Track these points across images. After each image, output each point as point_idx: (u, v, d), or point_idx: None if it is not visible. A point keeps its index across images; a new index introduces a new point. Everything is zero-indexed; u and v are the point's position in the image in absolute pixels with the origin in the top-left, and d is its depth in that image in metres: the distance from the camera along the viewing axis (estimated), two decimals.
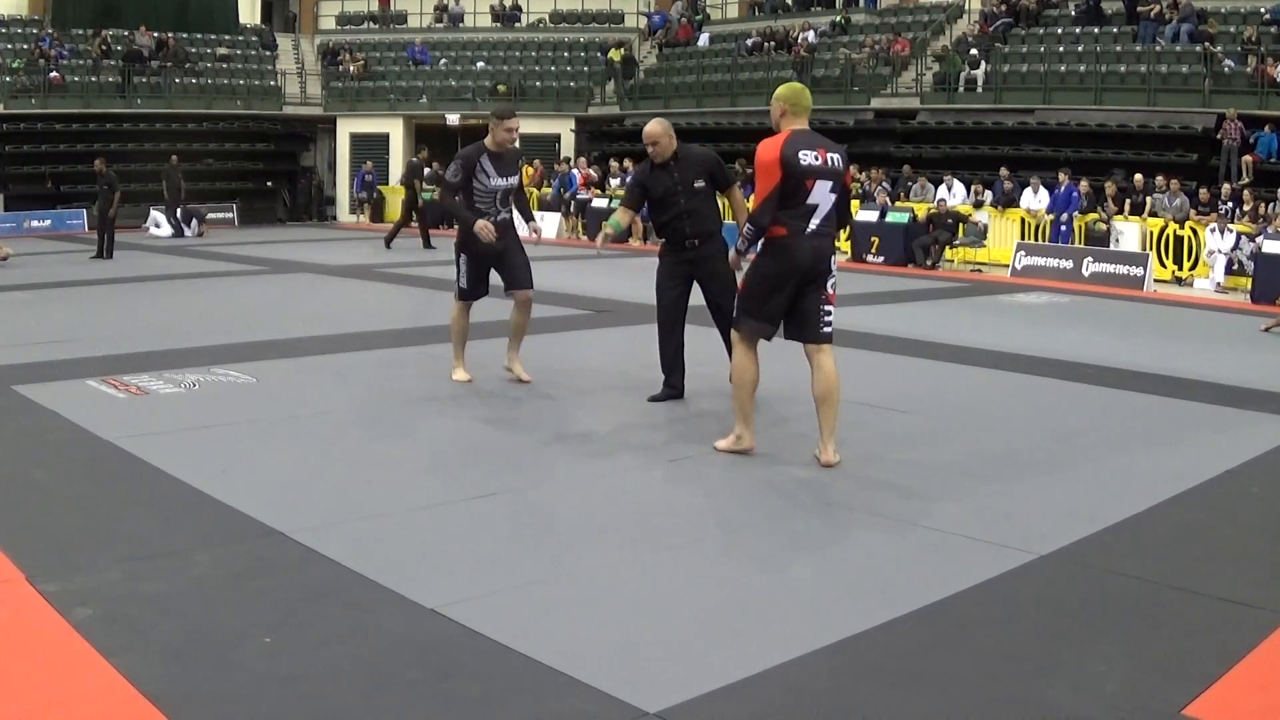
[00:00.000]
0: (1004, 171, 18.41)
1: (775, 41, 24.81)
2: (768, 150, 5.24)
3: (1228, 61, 18.24)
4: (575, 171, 23.05)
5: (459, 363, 7.43)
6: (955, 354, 8.89)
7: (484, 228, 6.72)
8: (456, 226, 7.14)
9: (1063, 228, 17.12)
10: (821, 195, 5.26)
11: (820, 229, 5.29)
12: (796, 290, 5.32)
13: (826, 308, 5.36)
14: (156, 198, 23.19)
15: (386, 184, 26.21)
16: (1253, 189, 16.40)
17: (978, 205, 18.22)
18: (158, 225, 22.40)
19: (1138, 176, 17.23)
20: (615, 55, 26.74)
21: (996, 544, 4.33)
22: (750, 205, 5.50)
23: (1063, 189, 17.30)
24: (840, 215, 5.46)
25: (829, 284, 5.36)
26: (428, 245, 19.03)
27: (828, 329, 5.39)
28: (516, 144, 7.18)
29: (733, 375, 5.62)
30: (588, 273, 14.94)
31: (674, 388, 6.89)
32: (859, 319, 10.53)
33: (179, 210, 22.14)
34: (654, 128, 6.60)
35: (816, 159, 5.23)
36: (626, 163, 22.90)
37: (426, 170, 26.14)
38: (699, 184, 6.66)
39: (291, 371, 7.79)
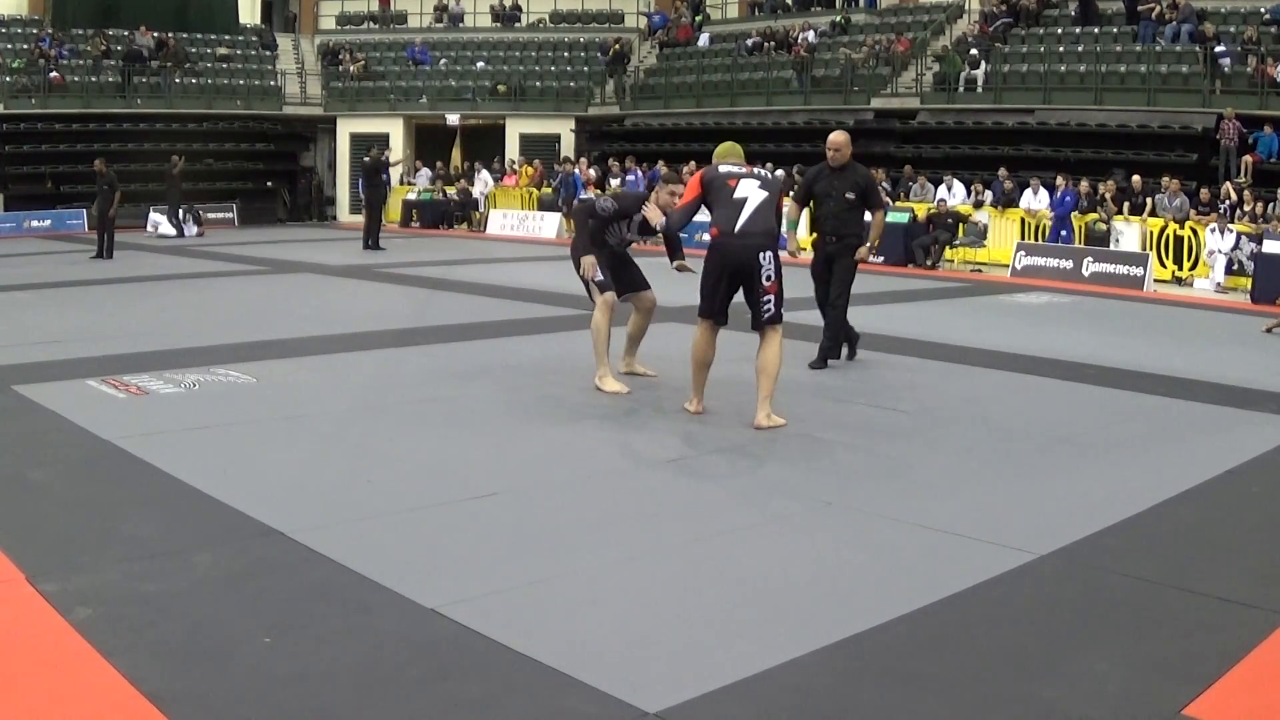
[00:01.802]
0: (1004, 172, 18.40)
1: (775, 41, 24.79)
2: (695, 176, 6.35)
3: (1227, 58, 18.21)
4: (578, 172, 22.97)
5: (605, 370, 7.06)
6: (955, 354, 8.89)
7: (590, 265, 6.95)
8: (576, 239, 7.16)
9: (1063, 232, 17.09)
10: (749, 191, 6.13)
11: (749, 228, 6.06)
12: (736, 284, 6.18)
13: (766, 298, 6.12)
14: (157, 198, 23.19)
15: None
16: (1253, 189, 16.39)
17: (978, 205, 18.21)
18: (157, 226, 22.38)
19: (1137, 177, 17.22)
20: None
21: (996, 544, 4.33)
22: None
23: (1059, 193, 17.22)
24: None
25: (763, 276, 6.08)
26: (376, 246, 18.86)
27: (768, 314, 6.15)
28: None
29: (691, 351, 6.37)
30: None
31: (820, 357, 8.00)
32: (859, 319, 10.50)
33: (179, 210, 22.13)
34: (841, 138, 7.72)
35: (738, 168, 6.30)
36: (627, 162, 22.92)
37: (426, 172, 26.27)
38: (849, 195, 7.87)
39: (291, 371, 7.78)
